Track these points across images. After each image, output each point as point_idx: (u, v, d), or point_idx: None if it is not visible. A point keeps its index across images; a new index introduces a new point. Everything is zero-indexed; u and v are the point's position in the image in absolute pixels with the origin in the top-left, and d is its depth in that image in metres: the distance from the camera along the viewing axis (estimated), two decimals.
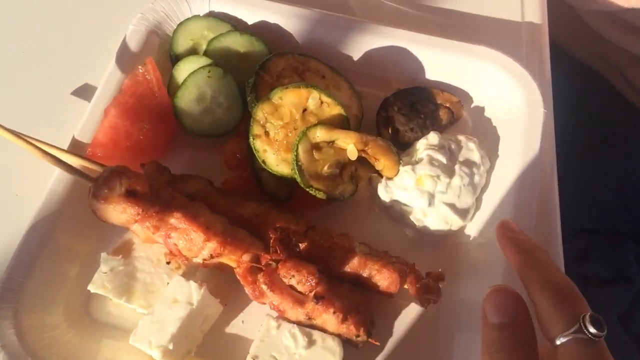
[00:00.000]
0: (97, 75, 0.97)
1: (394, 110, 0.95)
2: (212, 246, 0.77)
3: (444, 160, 0.87)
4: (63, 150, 0.85)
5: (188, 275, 0.84)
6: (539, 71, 1.05)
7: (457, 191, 0.87)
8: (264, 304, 0.81)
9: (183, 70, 0.94)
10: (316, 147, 0.86)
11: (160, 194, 0.80)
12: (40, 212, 0.83)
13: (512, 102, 0.94)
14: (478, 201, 0.91)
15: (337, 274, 0.82)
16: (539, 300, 0.56)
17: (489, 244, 0.85)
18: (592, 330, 0.50)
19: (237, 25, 1.00)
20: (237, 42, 0.97)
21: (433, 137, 0.90)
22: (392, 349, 0.82)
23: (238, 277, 0.79)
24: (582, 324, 0.51)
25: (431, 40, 0.97)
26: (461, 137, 0.92)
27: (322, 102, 0.87)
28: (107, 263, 0.81)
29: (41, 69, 1.06)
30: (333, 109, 0.88)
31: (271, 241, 0.78)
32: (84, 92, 1.02)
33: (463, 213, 0.88)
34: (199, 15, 1.01)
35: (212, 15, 1.01)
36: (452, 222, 0.88)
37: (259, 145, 0.87)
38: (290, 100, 0.87)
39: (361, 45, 1.00)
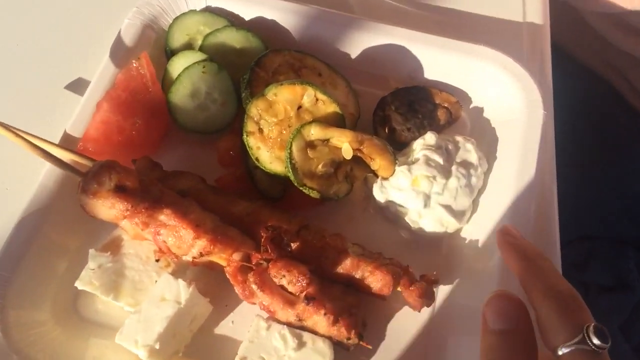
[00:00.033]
0: (91, 69, 0.96)
1: (391, 109, 0.93)
2: (201, 244, 0.76)
3: (440, 160, 0.86)
4: (54, 144, 0.84)
5: (178, 273, 0.82)
6: (540, 72, 1.03)
7: (453, 193, 0.85)
8: (254, 304, 0.79)
9: (178, 65, 0.93)
10: (310, 145, 0.85)
11: (150, 190, 0.78)
12: (29, 207, 0.82)
13: (511, 103, 0.92)
14: (475, 203, 0.89)
15: (329, 274, 0.80)
16: (541, 308, 0.55)
17: (486, 247, 0.84)
18: (596, 341, 0.49)
19: (233, 20, 0.99)
20: (233, 38, 0.96)
21: (430, 137, 0.89)
22: (384, 353, 0.80)
23: (228, 276, 0.78)
24: (585, 334, 0.49)
25: (430, 39, 0.95)
26: (459, 138, 0.90)
27: (317, 100, 0.86)
28: (95, 259, 0.79)
29: (35, 63, 1.05)
30: (328, 107, 0.86)
31: (262, 240, 0.77)
32: (78, 86, 1.00)
33: (459, 215, 0.86)
34: (195, 10, 0.99)
35: (208, 10, 1.00)
36: (448, 224, 0.86)
37: (253, 142, 0.85)
38: (285, 97, 0.85)
39: (359, 43, 0.98)
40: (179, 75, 0.91)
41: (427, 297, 0.78)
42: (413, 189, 0.85)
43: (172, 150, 0.94)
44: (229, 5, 1.00)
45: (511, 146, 0.89)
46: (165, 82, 0.93)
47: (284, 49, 0.94)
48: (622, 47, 1.34)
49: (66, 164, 0.82)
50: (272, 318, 0.79)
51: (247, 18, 1.00)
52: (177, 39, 0.97)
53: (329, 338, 0.77)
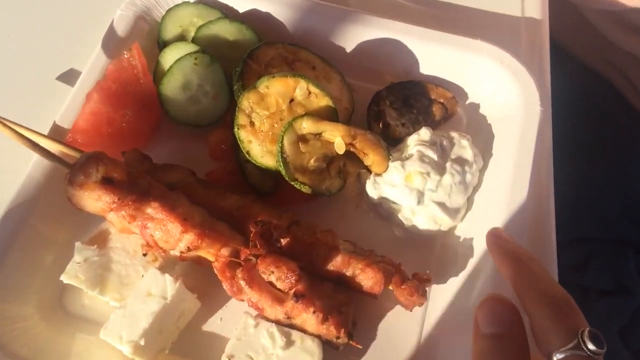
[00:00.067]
0: (83, 60, 0.94)
1: (386, 104, 0.92)
2: (189, 238, 0.74)
3: (434, 157, 0.84)
4: (42, 135, 0.83)
5: (166, 269, 0.81)
6: (538, 68, 1.01)
7: (447, 190, 0.84)
8: (243, 300, 0.77)
9: (169, 57, 0.91)
10: (302, 139, 0.83)
11: (138, 183, 0.77)
12: (16, 198, 0.81)
13: (508, 99, 0.90)
14: (470, 201, 0.87)
15: (319, 272, 0.79)
16: (535, 314, 0.53)
17: (480, 246, 0.82)
18: (591, 346, 0.48)
19: (227, 12, 0.97)
20: (227, 30, 0.94)
21: (424, 133, 0.87)
22: (374, 353, 0.79)
23: (216, 272, 0.76)
24: (580, 339, 0.48)
25: (426, 33, 0.94)
26: (454, 134, 0.89)
27: (310, 93, 0.84)
28: (81, 253, 0.78)
29: (26, 53, 1.03)
30: (321, 100, 0.84)
31: (251, 235, 0.75)
32: (69, 77, 0.99)
33: (453, 213, 0.84)
34: (188, 1, 0.98)
35: (202, 2, 0.98)
36: (442, 221, 0.84)
37: (244, 135, 0.84)
38: (277, 90, 0.84)
39: (354, 36, 0.97)
40: (171, 66, 0.89)
41: (419, 296, 0.77)
42: (406, 185, 0.84)
43: (163, 143, 0.92)
44: None
45: (507, 143, 0.87)
46: (157, 74, 0.92)
47: (278, 42, 0.92)
48: (623, 45, 1.32)
49: (54, 155, 0.80)
50: (261, 316, 0.78)
51: (241, 10, 0.98)
52: (170, 31, 0.96)
53: (318, 337, 0.75)
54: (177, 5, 0.97)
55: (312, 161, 0.83)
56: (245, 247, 0.77)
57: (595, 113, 1.38)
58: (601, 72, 1.39)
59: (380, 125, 0.91)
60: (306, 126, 0.82)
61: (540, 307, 0.53)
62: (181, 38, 0.96)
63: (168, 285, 0.74)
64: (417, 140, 0.87)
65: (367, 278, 0.77)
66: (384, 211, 0.87)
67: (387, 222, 0.88)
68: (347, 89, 0.94)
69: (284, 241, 0.78)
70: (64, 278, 0.77)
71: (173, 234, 0.75)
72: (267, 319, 0.77)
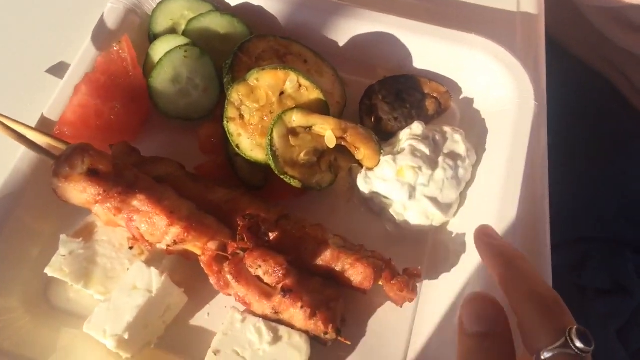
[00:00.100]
0: (73, 53, 0.93)
1: (379, 98, 0.91)
2: (175, 231, 0.73)
3: (427, 151, 0.83)
4: (29, 127, 0.81)
5: (153, 263, 0.79)
6: (534, 64, 1.00)
7: (439, 184, 0.82)
8: (230, 295, 0.76)
9: (159, 50, 0.90)
10: (293, 132, 0.82)
11: (124, 175, 0.75)
12: (3, 190, 0.80)
13: (502, 93, 0.89)
14: (462, 196, 0.86)
15: (308, 266, 0.77)
16: (522, 312, 0.53)
17: (473, 242, 0.80)
18: (579, 344, 0.47)
19: (218, 5, 0.96)
20: (218, 23, 0.93)
21: (417, 127, 0.86)
22: (363, 349, 0.77)
23: (202, 266, 0.75)
24: (568, 337, 0.48)
25: (420, 27, 0.93)
26: (447, 129, 0.87)
27: (300, 86, 0.83)
28: (66, 245, 0.77)
29: (16, 46, 1.02)
30: (312, 93, 0.83)
31: (239, 229, 0.74)
32: (59, 70, 0.98)
33: (445, 208, 0.83)
34: None
35: None
36: (434, 217, 0.83)
37: (233, 128, 0.83)
38: (267, 82, 0.82)
39: (347, 30, 0.96)
40: (160, 59, 0.88)
41: (409, 292, 0.75)
42: (398, 180, 0.82)
43: (153, 136, 0.92)
44: None
45: (501, 138, 0.86)
46: (147, 67, 0.91)
47: (269, 35, 0.91)
48: (620, 43, 1.30)
49: (40, 147, 0.79)
50: (248, 311, 0.76)
51: (232, 3, 0.97)
52: (161, 24, 0.95)
53: (306, 332, 0.74)
54: None
55: (302, 155, 0.82)
56: (233, 240, 0.75)
57: (592, 110, 1.37)
58: (598, 70, 1.37)
59: (373, 120, 0.90)
60: (296, 119, 0.81)
61: (527, 305, 0.52)
62: (172, 31, 0.95)
63: (153, 279, 0.73)
64: (409, 135, 0.86)
65: (357, 273, 0.76)
66: (375, 206, 0.86)
67: (378, 218, 0.87)
68: (340, 83, 0.93)
69: (272, 235, 0.77)
70: (49, 271, 0.76)
71: (159, 227, 0.74)
72: (255, 314, 0.76)
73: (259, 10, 0.96)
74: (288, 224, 0.79)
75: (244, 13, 0.95)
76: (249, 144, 0.83)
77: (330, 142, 0.82)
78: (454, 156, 0.85)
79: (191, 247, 0.76)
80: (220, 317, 0.78)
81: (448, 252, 0.83)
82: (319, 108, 0.84)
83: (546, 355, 0.48)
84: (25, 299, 0.78)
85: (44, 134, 0.81)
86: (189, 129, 0.90)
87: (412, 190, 0.82)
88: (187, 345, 0.77)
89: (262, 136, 0.83)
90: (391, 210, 0.84)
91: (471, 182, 0.87)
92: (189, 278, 0.81)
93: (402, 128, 0.88)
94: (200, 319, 0.80)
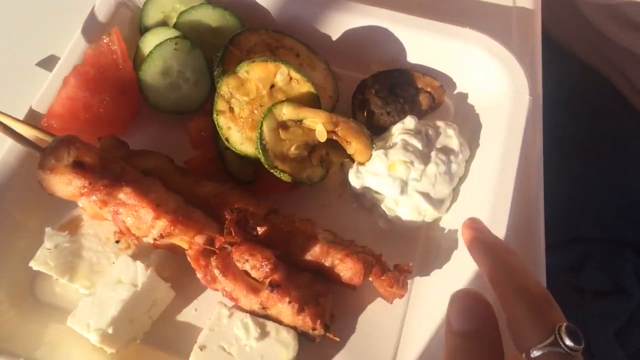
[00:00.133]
0: (63, 46, 0.92)
1: (371, 92, 0.89)
2: (161, 225, 0.72)
3: (419, 146, 0.82)
4: (16, 119, 0.81)
5: (141, 257, 0.78)
6: (530, 60, 0.98)
7: (432, 179, 0.81)
8: (217, 290, 0.75)
9: (150, 42, 0.89)
10: (283, 125, 0.81)
11: (110, 167, 0.74)
12: None
13: (497, 88, 0.88)
14: (455, 192, 0.85)
15: (297, 261, 0.76)
16: (511, 309, 0.51)
17: None
18: (569, 342, 0.45)
19: None
20: (209, 16, 0.92)
21: (409, 122, 0.85)
22: (352, 346, 0.76)
23: (189, 260, 0.74)
24: (557, 335, 0.46)
25: (414, 21, 0.91)
26: (440, 123, 0.86)
27: (291, 79, 0.82)
28: (51, 239, 0.76)
29: (6, 39, 1.02)
30: (302, 86, 0.82)
31: (226, 222, 0.73)
32: (50, 63, 0.97)
33: (437, 203, 0.82)
34: None
35: None
36: (426, 212, 0.82)
37: (223, 121, 0.82)
38: (257, 75, 0.81)
39: (341, 24, 0.94)
40: (150, 52, 0.87)
41: (400, 288, 0.74)
42: (389, 175, 0.81)
43: (143, 130, 0.91)
44: None
45: (495, 132, 0.84)
46: (137, 60, 0.90)
47: (261, 28, 0.90)
48: (619, 41, 1.29)
49: (27, 139, 0.78)
50: (236, 306, 0.75)
51: None
52: (152, 17, 0.94)
53: (294, 328, 0.73)
54: None
55: (292, 149, 0.81)
56: (221, 235, 0.74)
57: (591, 110, 1.35)
58: (597, 68, 1.36)
59: (365, 114, 0.89)
60: (286, 112, 0.80)
61: (516, 302, 0.51)
62: (163, 24, 0.94)
63: (139, 273, 0.72)
64: (402, 129, 0.84)
65: (346, 268, 0.74)
66: (367, 201, 0.85)
67: (370, 213, 0.85)
68: (332, 78, 0.92)
69: (260, 229, 0.76)
70: (33, 264, 0.75)
71: (145, 220, 0.72)
72: (242, 310, 0.74)
73: (251, 3, 0.95)
74: (277, 218, 0.78)
75: (235, 6, 0.94)
76: (239, 137, 0.82)
77: (321, 135, 0.81)
78: (446, 151, 0.83)
79: (178, 241, 0.74)
80: (208, 313, 0.76)
81: (440, 249, 0.82)
82: (310, 101, 0.83)
83: (536, 353, 0.47)
84: (11, 292, 0.78)
85: (31, 126, 0.80)
86: (180, 123, 0.90)
87: (403, 185, 0.81)
88: (174, 341, 0.76)
89: (252, 129, 0.81)
90: (383, 206, 0.83)
91: (464, 177, 0.85)
92: (176, 273, 0.80)
93: (394, 123, 0.87)
94: (187, 315, 0.79)
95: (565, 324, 0.47)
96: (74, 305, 0.75)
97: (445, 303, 0.75)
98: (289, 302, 0.71)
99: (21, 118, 0.82)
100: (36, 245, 0.77)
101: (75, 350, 0.74)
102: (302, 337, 0.73)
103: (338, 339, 0.74)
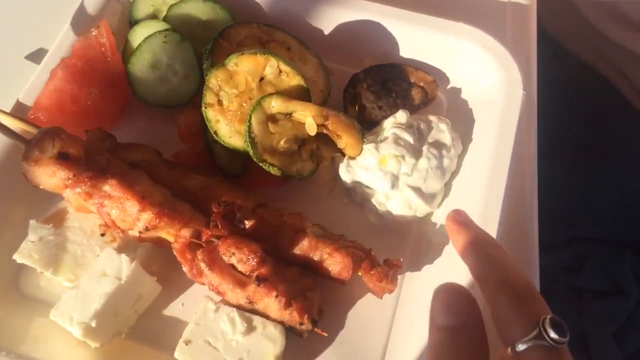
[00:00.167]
0: (53, 40, 0.92)
1: (363, 87, 0.88)
2: (147, 217, 0.71)
3: (410, 140, 0.81)
4: (2, 111, 0.80)
5: (128, 251, 0.77)
6: (525, 55, 0.97)
7: (423, 174, 0.80)
8: (203, 284, 0.74)
9: (139, 35, 0.88)
10: (272, 119, 0.80)
11: (96, 160, 0.73)
12: None
13: (490, 82, 0.87)
14: (447, 187, 0.83)
15: (285, 255, 0.75)
16: (495, 303, 0.50)
17: None
18: (553, 335, 0.44)
19: None
20: (200, 9, 0.91)
21: (401, 116, 0.83)
22: (341, 342, 0.75)
23: (175, 253, 0.73)
24: (542, 328, 0.45)
25: (407, 15, 0.90)
26: (432, 118, 0.85)
27: (280, 72, 0.81)
28: (35, 231, 0.75)
29: None
30: (292, 79, 0.81)
31: (212, 215, 0.72)
32: (39, 56, 0.96)
33: (429, 198, 0.80)
34: None
35: None
36: (417, 207, 0.80)
37: (211, 114, 0.81)
38: (246, 68, 0.80)
39: (333, 18, 0.93)
40: (139, 44, 0.86)
41: (389, 282, 0.73)
42: (380, 169, 0.80)
43: (132, 123, 0.90)
44: None
45: (488, 127, 0.83)
46: (126, 53, 0.89)
47: (252, 22, 0.89)
48: (617, 40, 1.27)
49: (13, 132, 0.77)
50: (224, 301, 0.74)
51: None
52: (142, 10, 0.93)
53: (281, 323, 0.72)
54: None
55: (282, 142, 0.80)
56: (208, 228, 0.73)
57: (590, 109, 1.34)
58: (595, 67, 1.34)
59: (357, 108, 0.88)
60: (275, 105, 0.79)
61: (499, 295, 0.49)
62: (153, 17, 0.93)
63: (124, 266, 0.71)
64: (393, 123, 0.83)
65: (335, 263, 0.73)
66: (357, 196, 0.84)
67: (361, 208, 0.84)
68: (324, 72, 0.91)
69: (248, 223, 0.75)
70: (17, 257, 0.74)
71: (130, 213, 0.71)
72: (229, 304, 0.73)
73: None
74: (265, 212, 0.77)
75: None
76: (228, 130, 0.81)
77: (311, 129, 0.80)
78: (438, 145, 0.82)
79: (164, 234, 0.73)
80: (195, 308, 0.75)
81: (431, 244, 0.80)
82: (300, 95, 0.82)
83: (520, 347, 0.46)
84: None
85: (17, 118, 0.79)
86: (169, 116, 0.89)
87: (394, 180, 0.80)
88: (160, 336, 0.75)
89: (241, 123, 0.80)
90: (373, 200, 0.82)
91: (457, 172, 0.84)
92: (164, 267, 0.79)
93: (386, 117, 0.86)
94: (174, 309, 0.77)
95: (549, 317, 0.45)
96: (58, 299, 0.74)
97: None
98: (276, 297, 0.70)
99: (8, 111, 0.81)
100: (21, 238, 0.76)
101: (59, 345, 0.73)
102: (290, 332, 0.72)
103: (326, 334, 0.73)
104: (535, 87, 0.94)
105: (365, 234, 0.81)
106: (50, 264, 0.73)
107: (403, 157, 0.80)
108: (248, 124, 0.78)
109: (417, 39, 0.91)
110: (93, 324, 0.68)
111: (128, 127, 0.89)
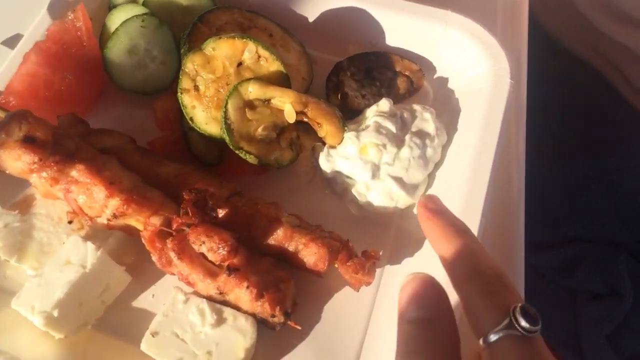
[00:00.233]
0: (29, 25, 0.90)
1: (346, 75, 0.86)
2: (114, 204, 0.68)
3: (393, 129, 0.78)
4: None
5: (98, 240, 0.74)
6: (516, 47, 0.95)
7: (405, 164, 0.77)
8: (173, 274, 0.71)
9: (116, 19, 0.86)
10: (250, 105, 0.77)
11: (64, 144, 0.71)
12: None
13: (477, 72, 0.84)
14: (431, 178, 0.81)
15: (259, 245, 0.72)
16: (465, 293, 0.47)
17: None
18: (524, 324, 0.42)
19: None
20: None
21: (384, 104, 0.81)
22: (316, 336, 0.72)
23: (144, 242, 0.70)
24: (512, 317, 0.42)
25: (393, 3, 0.88)
26: (416, 107, 0.82)
27: (259, 57, 0.79)
28: (1, 218, 0.72)
29: None
30: (271, 65, 0.79)
31: (183, 202, 0.69)
32: (16, 41, 0.93)
33: (411, 189, 0.77)
34: None
35: None
36: (398, 198, 0.78)
37: (187, 100, 0.78)
38: (224, 52, 0.78)
39: (317, 5, 0.91)
40: (116, 29, 0.84)
41: (366, 274, 0.70)
42: (361, 158, 0.77)
43: (108, 110, 0.87)
44: None
45: (474, 117, 0.80)
46: (103, 37, 0.87)
47: (234, 7, 0.87)
48: (614, 36, 1.25)
49: None
50: (195, 292, 0.71)
51: None
52: None
53: (253, 315, 0.69)
54: None
55: (259, 130, 0.77)
56: (179, 216, 0.70)
57: (586, 106, 1.31)
58: (590, 63, 1.32)
59: (339, 97, 0.85)
60: (253, 91, 0.76)
61: (469, 285, 0.47)
62: (133, 2, 0.91)
63: (89, 254, 0.68)
64: (376, 112, 0.81)
65: (311, 253, 0.70)
66: (338, 186, 0.81)
67: (341, 199, 0.81)
68: (307, 59, 0.88)
69: (221, 212, 0.72)
70: None
71: (98, 199, 0.69)
72: (200, 295, 0.70)
73: None
74: (240, 200, 0.74)
75: None
76: (204, 116, 0.78)
77: (290, 116, 0.77)
78: (422, 135, 0.79)
79: (133, 221, 0.71)
80: (166, 299, 0.72)
81: (412, 237, 0.77)
82: (279, 81, 0.79)
83: (492, 337, 0.43)
84: None
85: None
86: (146, 103, 0.86)
87: (375, 169, 0.77)
88: (128, 327, 0.72)
89: (218, 109, 0.78)
90: (354, 191, 0.79)
91: (441, 163, 0.81)
92: (136, 257, 0.76)
93: (369, 105, 0.83)
94: (144, 301, 0.75)
95: (519, 305, 0.43)
96: None
97: None
98: (247, 287, 0.67)
99: None
100: None
101: (23, 335, 0.70)
102: (262, 325, 0.69)
103: (300, 328, 0.70)
104: (525, 79, 0.91)
105: (346, 226, 0.79)
106: (14, 252, 0.71)
107: (384, 145, 0.77)
108: (224, 110, 0.75)
109: (404, 27, 0.89)
110: (55, 314, 0.65)
111: (104, 113, 0.86)
